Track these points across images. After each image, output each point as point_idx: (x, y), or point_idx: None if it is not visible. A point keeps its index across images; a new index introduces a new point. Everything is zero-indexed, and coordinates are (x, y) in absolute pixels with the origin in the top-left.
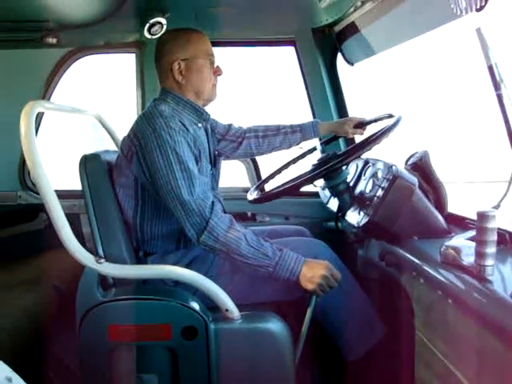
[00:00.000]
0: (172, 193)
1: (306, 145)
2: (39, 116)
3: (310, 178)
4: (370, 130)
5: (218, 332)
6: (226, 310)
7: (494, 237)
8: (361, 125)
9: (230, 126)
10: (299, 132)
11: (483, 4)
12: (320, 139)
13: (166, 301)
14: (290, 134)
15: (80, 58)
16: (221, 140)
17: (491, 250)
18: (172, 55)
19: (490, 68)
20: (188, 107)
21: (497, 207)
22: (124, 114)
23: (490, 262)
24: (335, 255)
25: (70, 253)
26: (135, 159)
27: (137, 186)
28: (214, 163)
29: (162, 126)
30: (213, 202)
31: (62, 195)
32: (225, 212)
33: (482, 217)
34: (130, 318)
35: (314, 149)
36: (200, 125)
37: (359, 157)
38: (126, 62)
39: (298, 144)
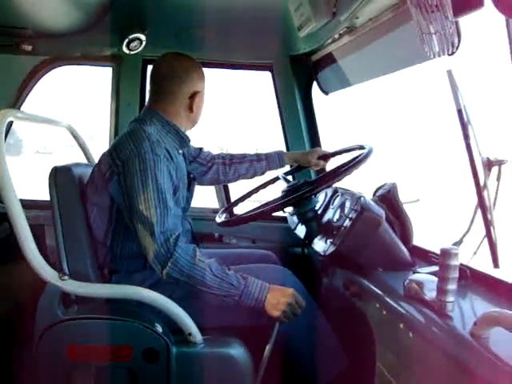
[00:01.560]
0: (144, 220)
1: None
2: (9, 124)
3: (280, 204)
4: (340, 161)
5: (179, 355)
6: (189, 334)
7: (456, 274)
8: (325, 157)
9: (200, 149)
10: (264, 160)
11: (455, 50)
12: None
13: (129, 321)
14: (256, 162)
15: (55, 67)
16: (191, 162)
17: (452, 286)
18: (196, 85)
19: (459, 109)
20: (172, 132)
21: (459, 243)
22: (94, 126)
23: (450, 298)
24: (300, 283)
25: (33, 268)
26: (115, 179)
27: (112, 207)
28: (189, 186)
29: (147, 150)
30: (179, 235)
31: (26, 205)
32: (192, 232)
33: (445, 254)
34: (90, 337)
35: (277, 178)
36: (181, 151)
37: (330, 186)
38: (102, 75)
39: (262, 173)
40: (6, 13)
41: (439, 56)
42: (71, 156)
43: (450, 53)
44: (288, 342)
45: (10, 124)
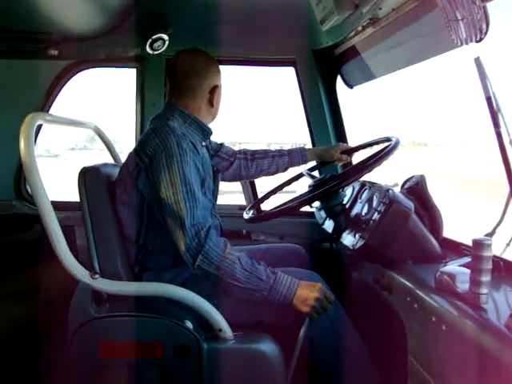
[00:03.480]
0: (174, 214)
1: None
2: (38, 127)
3: (308, 199)
4: (365, 155)
5: (210, 352)
6: (220, 330)
7: (489, 265)
8: (348, 151)
9: (221, 144)
10: (287, 156)
11: (483, 36)
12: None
13: (160, 318)
14: (278, 157)
15: (81, 70)
16: (213, 156)
17: (486, 278)
18: (215, 79)
19: (488, 97)
20: (194, 125)
21: (491, 234)
22: (123, 128)
23: (484, 290)
24: (327, 285)
25: (65, 267)
26: (143, 176)
27: (142, 204)
28: (214, 179)
29: (173, 144)
30: (209, 227)
31: (56, 206)
32: (221, 228)
33: (478, 245)
34: (122, 334)
35: (302, 175)
36: (204, 143)
37: (357, 179)
38: (127, 76)
39: (285, 168)
40: (32, 19)
41: (467, 43)
42: (80, 159)
43: (478, 39)
44: (315, 349)
45: (39, 127)
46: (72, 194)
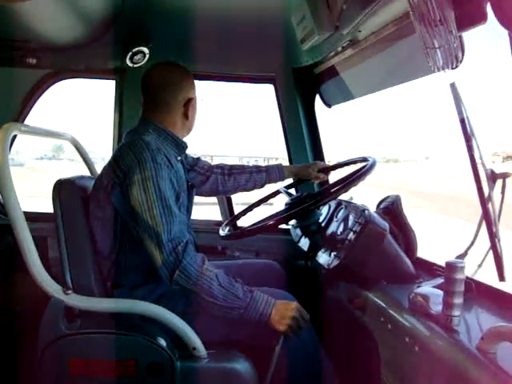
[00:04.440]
0: (150, 229)
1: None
2: (13, 138)
3: (284, 217)
4: (342, 174)
5: (184, 370)
6: (194, 349)
7: (462, 288)
8: (325, 170)
9: (198, 158)
10: (264, 172)
11: (458, 64)
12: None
13: (132, 336)
14: (256, 173)
15: (59, 80)
16: (189, 170)
17: (459, 300)
18: (188, 92)
19: (462, 120)
20: (169, 139)
21: (463, 256)
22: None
23: (457, 312)
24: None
25: (37, 282)
26: (117, 191)
27: (116, 219)
28: (188, 195)
29: (148, 159)
30: (187, 242)
31: (29, 217)
32: (196, 245)
33: (451, 267)
34: (94, 351)
35: (278, 192)
36: (179, 158)
37: (334, 198)
38: (105, 88)
39: (262, 185)
40: (10, 26)
41: (443, 70)
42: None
43: (453, 67)
44: (287, 369)
45: (14, 137)
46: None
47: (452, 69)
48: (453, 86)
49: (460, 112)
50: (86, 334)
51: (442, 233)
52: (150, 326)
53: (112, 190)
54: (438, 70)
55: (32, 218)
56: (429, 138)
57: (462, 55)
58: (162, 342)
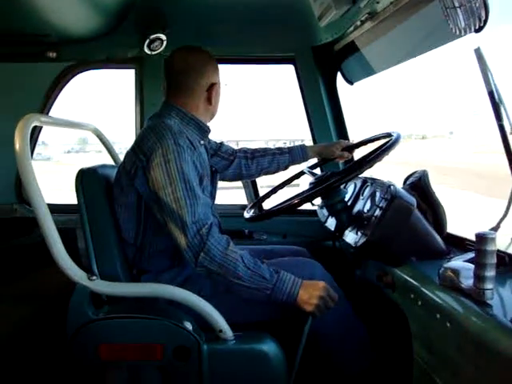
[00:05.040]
0: (174, 212)
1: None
2: (37, 130)
3: (309, 196)
4: (367, 151)
5: (211, 353)
6: (220, 331)
7: (494, 260)
8: (349, 148)
9: (221, 143)
10: (287, 154)
11: (482, 25)
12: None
13: (159, 320)
14: (278, 155)
15: (80, 72)
16: (213, 156)
17: (491, 273)
18: (212, 77)
19: (490, 90)
20: (192, 123)
21: (496, 229)
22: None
23: (489, 285)
24: (330, 276)
25: (62, 269)
26: (140, 174)
27: (140, 204)
28: (212, 180)
29: (170, 142)
30: (211, 224)
31: (57, 209)
32: (221, 229)
33: (482, 239)
34: (121, 336)
35: (302, 172)
36: (202, 142)
37: (358, 176)
38: (126, 77)
39: (286, 167)
40: (29, 21)
41: (465, 32)
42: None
43: (477, 28)
44: (318, 337)
45: (39, 130)
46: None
47: (475, 31)
48: (478, 51)
49: (487, 80)
50: (112, 319)
51: (457, 207)
52: (176, 310)
53: (135, 174)
54: (460, 33)
55: (60, 210)
56: (453, 112)
57: (486, 15)
58: (189, 326)
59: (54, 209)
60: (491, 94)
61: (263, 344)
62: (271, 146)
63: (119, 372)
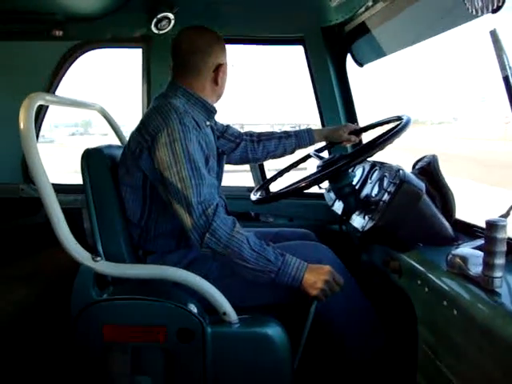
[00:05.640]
0: (180, 192)
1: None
2: (43, 110)
3: (316, 179)
4: (375, 134)
5: (214, 335)
6: (224, 313)
7: (504, 247)
8: (356, 132)
9: (227, 126)
10: (294, 137)
11: (500, 4)
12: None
13: (163, 302)
14: (285, 138)
15: (86, 51)
16: (219, 138)
17: (500, 261)
18: (219, 57)
19: (505, 75)
20: (198, 104)
21: (506, 216)
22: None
23: (498, 273)
24: (338, 259)
25: (65, 249)
26: (145, 155)
27: (145, 185)
28: (219, 161)
29: (175, 122)
30: (217, 204)
31: (63, 189)
32: (228, 211)
33: (492, 226)
34: (125, 318)
35: (309, 156)
36: (208, 123)
37: (366, 159)
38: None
39: (292, 150)
40: None
41: (482, 13)
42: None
43: (494, 8)
44: (326, 319)
45: (45, 110)
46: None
47: (492, 11)
48: (494, 34)
49: (502, 64)
50: (116, 301)
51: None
52: (181, 292)
53: (140, 154)
54: (477, 13)
55: (66, 190)
56: (458, 98)
57: None
58: (193, 308)
59: (61, 189)
60: (506, 79)
61: (267, 327)
62: (277, 130)
63: (122, 353)
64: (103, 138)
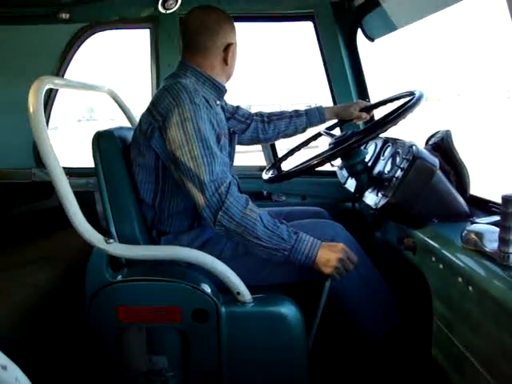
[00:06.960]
0: (192, 171)
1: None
2: (53, 92)
3: (328, 156)
4: (386, 111)
5: (229, 315)
6: (238, 293)
7: None
8: (367, 109)
9: (237, 106)
10: (304, 116)
11: None
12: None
13: (177, 282)
14: (295, 117)
15: (94, 33)
16: (230, 119)
17: None
18: (228, 37)
19: None
20: (208, 83)
21: None
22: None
23: None
24: (352, 237)
25: (78, 232)
26: (156, 135)
27: (157, 165)
28: (230, 141)
29: (186, 101)
30: (230, 183)
31: (75, 173)
32: (240, 191)
33: (508, 201)
34: (139, 299)
35: (319, 134)
36: (218, 102)
37: (378, 136)
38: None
39: (304, 129)
40: None
41: None
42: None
43: None
44: (341, 298)
45: (54, 95)
46: None
47: None
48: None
49: None
50: (130, 282)
51: None
52: (194, 273)
53: (151, 134)
54: None
55: (79, 173)
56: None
57: None
58: (207, 288)
59: (73, 172)
60: None
61: (282, 306)
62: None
63: (138, 334)
64: (110, 122)
